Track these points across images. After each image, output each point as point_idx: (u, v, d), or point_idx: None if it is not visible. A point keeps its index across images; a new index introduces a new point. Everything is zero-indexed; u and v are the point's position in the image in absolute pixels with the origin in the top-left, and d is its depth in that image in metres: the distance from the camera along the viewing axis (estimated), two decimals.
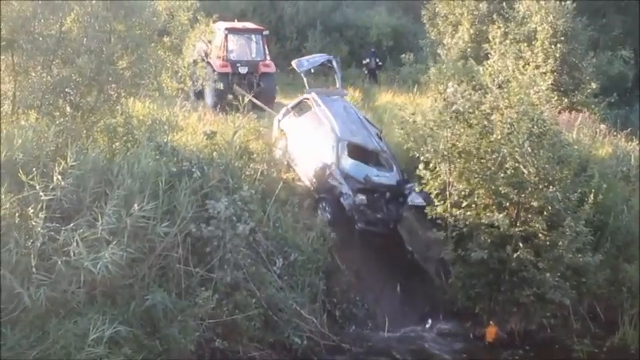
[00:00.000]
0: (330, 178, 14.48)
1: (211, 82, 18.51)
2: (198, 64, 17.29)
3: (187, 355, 10.07)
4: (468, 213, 13.69)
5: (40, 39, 10.57)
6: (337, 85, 18.08)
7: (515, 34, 21.09)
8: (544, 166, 13.41)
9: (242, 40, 21.41)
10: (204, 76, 17.27)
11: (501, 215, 13.38)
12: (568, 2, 20.96)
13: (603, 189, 14.28)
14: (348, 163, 14.73)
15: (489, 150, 13.75)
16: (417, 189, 14.25)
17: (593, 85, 20.94)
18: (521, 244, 13.41)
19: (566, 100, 20.41)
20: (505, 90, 14.31)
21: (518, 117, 13.63)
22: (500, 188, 13.53)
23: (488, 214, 13.52)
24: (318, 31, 30.70)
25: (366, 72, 27.89)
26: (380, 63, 28.13)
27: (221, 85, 18.46)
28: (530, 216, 13.64)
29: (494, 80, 14.63)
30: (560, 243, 13.30)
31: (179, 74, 13.21)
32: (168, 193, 10.50)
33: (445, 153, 13.83)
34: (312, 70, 18.32)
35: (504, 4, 22.39)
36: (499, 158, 13.61)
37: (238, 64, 20.54)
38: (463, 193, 13.80)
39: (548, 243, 13.47)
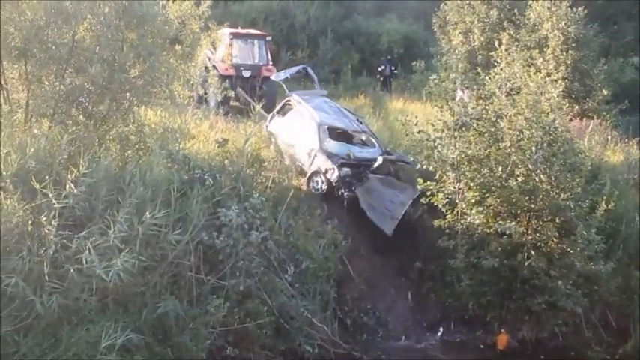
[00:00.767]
0: (316, 158, 15.11)
1: (214, 85, 18.75)
2: (210, 71, 17.52)
3: None
4: (479, 221, 13.66)
5: (53, 48, 10.57)
6: (315, 88, 19.64)
7: (526, 41, 21.05)
8: (555, 173, 13.38)
9: (245, 45, 21.87)
10: (215, 83, 17.44)
11: (512, 223, 13.36)
12: (579, 9, 20.91)
13: (615, 196, 14.25)
14: (330, 144, 15.54)
15: (499, 158, 13.74)
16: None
17: (605, 92, 20.88)
18: (532, 252, 13.38)
19: (577, 107, 20.34)
20: (514, 97, 14.30)
21: (528, 124, 13.62)
22: (512, 196, 13.50)
23: (499, 222, 13.49)
24: (329, 39, 30.75)
25: (381, 79, 27.90)
26: (395, 70, 28.16)
27: (226, 88, 18.70)
28: (541, 224, 13.62)
29: (501, 87, 14.60)
30: (572, 251, 13.28)
31: (191, 82, 13.22)
32: (180, 201, 10.50)
33: (454, 161, 13.83)
34: (289, 77, 19.54)
35: (515, 11, 22.36)
36: (509, 166, 13.59)
37: (242, 68, 20.99)
38: (473, 201, 13.79)
39: (559, 251, 13.46)
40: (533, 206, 13.59)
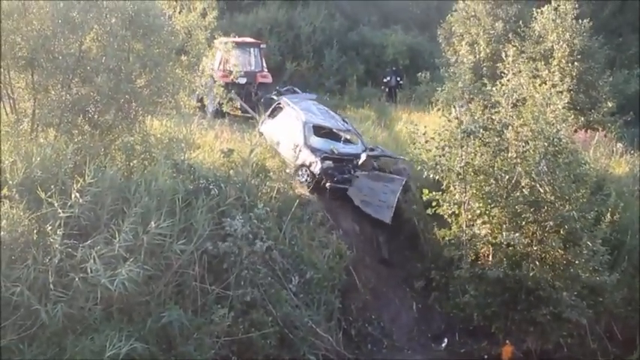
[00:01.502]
0: (301, 152, 15.88)
1: (212, 91, 18.96)
2: (217, 82, 17.78)
3: None
4: (484, 232, 13.64)
5: (60, 58, 10.62)
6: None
7: (531, 53, 21.04)
8: (560, 184, 13.35)
9: (241, 52, 22.29)
10: (221, 94, 17.68)
11: (517, 234, 13.31)
12: (584, 21, 20.90)
13: (620, 208, 14.19)
14: (315, 140, 16.45)
15: (505, 168, 13.72)
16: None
17: (610, 104, 20.84)
18: (537, 263, 13.36)
19: (582, 118, 20.30)
20: (519, 108, 14.29)
21: (533, 135, 13.61)
22: (517, 207, 13.48)
23: (504, 233, 13.45)
24: (334, 50, 30.77)
25: (386, 90, 27.89)
26: (400, 82, 28.15)
27: (222, 97, 18.87)
28: (546, 235, 13.57)
29: (507, 99, 14.59)
30: (577, 262, 13.23)
31: (197, 92, 13.25)
32: (185, 211, 10.46)
33: (460, 172, 13.82)
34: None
35: (520, 22, 22.37)
36: (515, 177, 13.57)
37: (237, 75, 21.23)
38: (478, 211, 13.77)
39: (564, 262, 13.42)
40: (538, 217, 13.55)
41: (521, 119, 13.89)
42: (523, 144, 13.68)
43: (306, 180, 15.50)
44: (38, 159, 9.29)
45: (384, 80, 28.35)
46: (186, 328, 9.88)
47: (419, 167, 14.64)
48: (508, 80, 15.56)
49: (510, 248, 13.46)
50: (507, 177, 13.67)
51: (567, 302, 13.17)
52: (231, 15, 29.69)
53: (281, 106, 17.98)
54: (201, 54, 12.84)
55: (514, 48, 19.53)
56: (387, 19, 35.15)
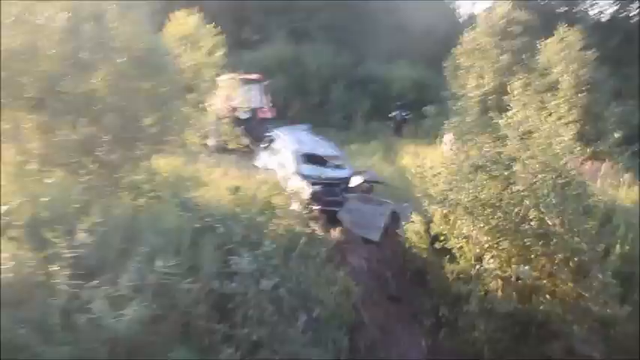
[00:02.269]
0: (290, 180, 16.56)
1: (214, 127, 19.19)
2: (220, 118, 18.04)
3: None
4: (493, 266, 13.51)
5: (68, 98, 10.68)
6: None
7: (537, 85, 21.07)
8: (569, 217, 13.22)
9: (244, 88, 22.86)
10: (225, 130, 17.96)
11: (527, 267, 13.17)
12: (590, 52, 20.94)
13: (629, 239, 14.05)
14: (304, 167, 17.41)
15: (513, 201, 13.61)
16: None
17: (617, 135, 20.79)
18: (547, 297, 13.16)
19: (589, 149, 20.23)
20: (527, 141, 14.22)
21: (541, 167, 13.52)
22: (525, 240, 13.35)
23: (513, 267, 13.32)
24: (340, 85, 30.94)
25: (393, 125, 27.94)
26: (407, 116, 28.22)
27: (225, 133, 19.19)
28: (556, 268, 13.38)
29: (515, 131, 14.54)
30: (588, 295, 13.02)
31: (205, 129, 13.30)
32: (192, 250, 10.47)
33: (468, 205, 13.72)
34: None
35: (526, 55, 22.45)
36: (523, 210, 13.46)
37: (240, 110, 21.98)
38: (487, 245, 13.65)
39: (574, 295, 13.20)
40: (547, 250, 13.38)
41: (529, 152, 13.81)
42: (531, 176, 13.58)
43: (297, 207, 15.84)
44: (45, 199, 9.29)
45: (391, 115, 28.42)
46: None
47: (427, 202, 14.58)
48: (515, 113, 15.55)
49: (520, 282, 13.29)
50: (516, 210, 13.55)
51: (579, 336, 12.93)
52: (239, 52, 29.94)
53: (273, 138, 18.94)
54: (208, 91, 12.89)
55: (520, 80, 19.61)
56: (392, 54, 35.41)
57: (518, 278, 13.28)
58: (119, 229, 9.52)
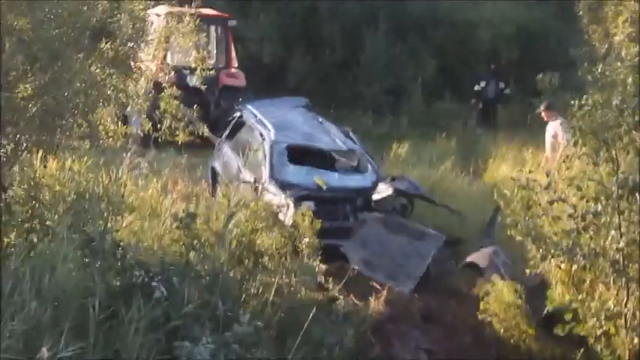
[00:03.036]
0: (264, 193, 16.80)
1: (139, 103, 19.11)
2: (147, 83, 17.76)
3: None
4: None
5: None
6: None
7: None
8: None
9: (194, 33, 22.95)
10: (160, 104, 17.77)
11: None
12: None
13: None
14: (289, 170, 17.76)
15: None
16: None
17: None
18: None
19: None
20: None
21: None
22: None
23: None
24: (380, 33, 30.94)
25: (479, 105, 27.90)
26: (505, 90, 28.22)
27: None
28: None
29: None
30: None
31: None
32: (107, 328, 10.48)
33: (618, 259, 13.51)
34: None
35: None
36: None
37: (185, 73, 22.43)
38: None
39: None
40: None
41: None
42: None
43: None
44: None
45: (476, 88, 28.43)
46: None
47: (541, 249, 14.40)
48: None
49: None
50: None
51: None
52: None
53: (243, 119, 19.78)
54: (134, 37, 12.86)
55: None
56: None
57: None
58: None
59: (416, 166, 19.99)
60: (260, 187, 16.88)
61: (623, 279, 13.59)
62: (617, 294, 13.74)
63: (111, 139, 12.98)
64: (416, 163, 20.51)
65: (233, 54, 23.98)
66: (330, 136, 19.02)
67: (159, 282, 11.49)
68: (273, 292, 13.29)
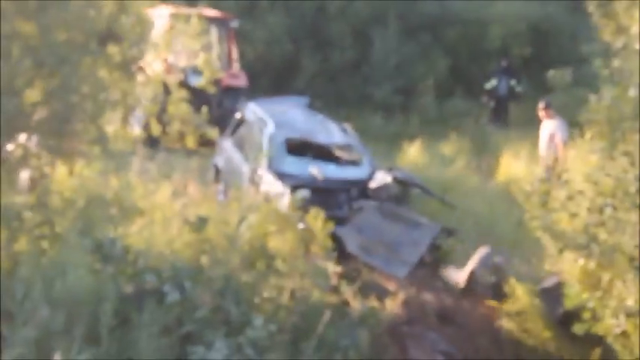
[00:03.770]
0: (261, 182, 17.68)
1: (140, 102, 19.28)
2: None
3: None
4: None
5: None
6: None
7: None
8: None
9: (197, 33, 23.22)
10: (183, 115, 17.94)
11: None
12: None
13: None
14: (288, 161, 18.72)
15: None
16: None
17: None
18: None
19: None
20: None
21: None
22: None
23: None
24: (391, 32, 30.98)
25: (491, 103, 27.87)
26: (517, 87, 28.18)
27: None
28: None
29: None
30: None
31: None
32: (119, 333, 10.49)
33: (636, 255, 13.45)
34: None
35: None
36: None
37: (188, 73, 22.37)
38: None
39: None
40: None
41: None
42: None
43: None
44: None
45: (487, 86, 28.40)
46: None
47: (552, 245, 14.36)
48: None
49: None
50: None
51: None
52: None
53: (244, 118, 20.75)
54: (140, 39, 12.86)
55: None
56: None
57: None
58: None
59: (428, 166, 19.92)
60: (257, 176, 17.50)
61: None
62: (636, 292, 13.70)
63: (120, 143, 12.89)
64: (428, 162, 20.46)
65: (235, 54, 23.94)
66: (328, 132, 19.96)
67: (171, 287, 11.51)
68: (286, 296, 13.30)
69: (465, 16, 32.47)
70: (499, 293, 15.62)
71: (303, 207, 15.65)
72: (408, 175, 19.21)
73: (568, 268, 14.19)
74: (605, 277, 13.90)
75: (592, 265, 13.89)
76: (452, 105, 27.83)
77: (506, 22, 31.57)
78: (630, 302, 13.66)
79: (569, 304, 14.04)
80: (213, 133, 17.64)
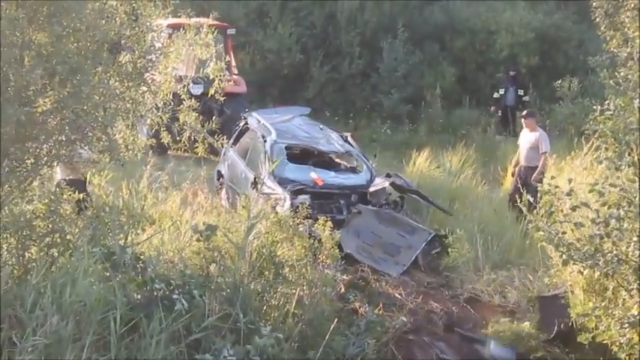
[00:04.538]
0: (263, 188, 17.63)
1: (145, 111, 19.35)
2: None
3: None
4: None
5: None
6: None
7: None
8: None
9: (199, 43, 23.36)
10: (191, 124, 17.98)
11: None
12: None
13: None
14: (288, 168, 19.23)
15: None
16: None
17: None
18: None
19: None
20: None
21: None
22: None
23: None
24: (398, 42, 30.93)
25: (498, 112, 27.82)
26: (525, 97, 28.11)
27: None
28: None
29: None
30: None
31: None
32: (128, 341, 10.49)
33: None
34: None
35: None
36: None
37: (188, 81, 21.98)
38: None
39: None
40: None
41: None
42: None
43: None
44: None
45: (495, 95, 28.34)
46: None
47: (563, 255, 14.33)
48: None
49: None
50: None
51: None
52: None
53: (247, 126, 21.35)
54: (149, 49, 12.86)
55: None
56: None
57: None
58: None
59: (435, 175, 19.90)
60: (258, 182, 17.57)
61: None
62: None
63: (130, 152, 12.90)
64: (435, 172, 20.44)
65: (233, 61, 24.15)
66: (329, 140, 20.51)
67: (180, 295, 11.49)
68: (294, 304, 13.29)
69: (473, 26, 32.36)
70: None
71: (304, 212, 15.86)
72: (406, 182, 19.58)
73: (573, 277, 14.20)
74: (610, 287, 13.92)
75: (597, 275, 13.91)
76: (459, 114, 27.76)
77: (514, 31, 31.45)
78: (635, 312, 13.67)
79: (575, 311, 14.02)
80: (221, 142, 17.86)
